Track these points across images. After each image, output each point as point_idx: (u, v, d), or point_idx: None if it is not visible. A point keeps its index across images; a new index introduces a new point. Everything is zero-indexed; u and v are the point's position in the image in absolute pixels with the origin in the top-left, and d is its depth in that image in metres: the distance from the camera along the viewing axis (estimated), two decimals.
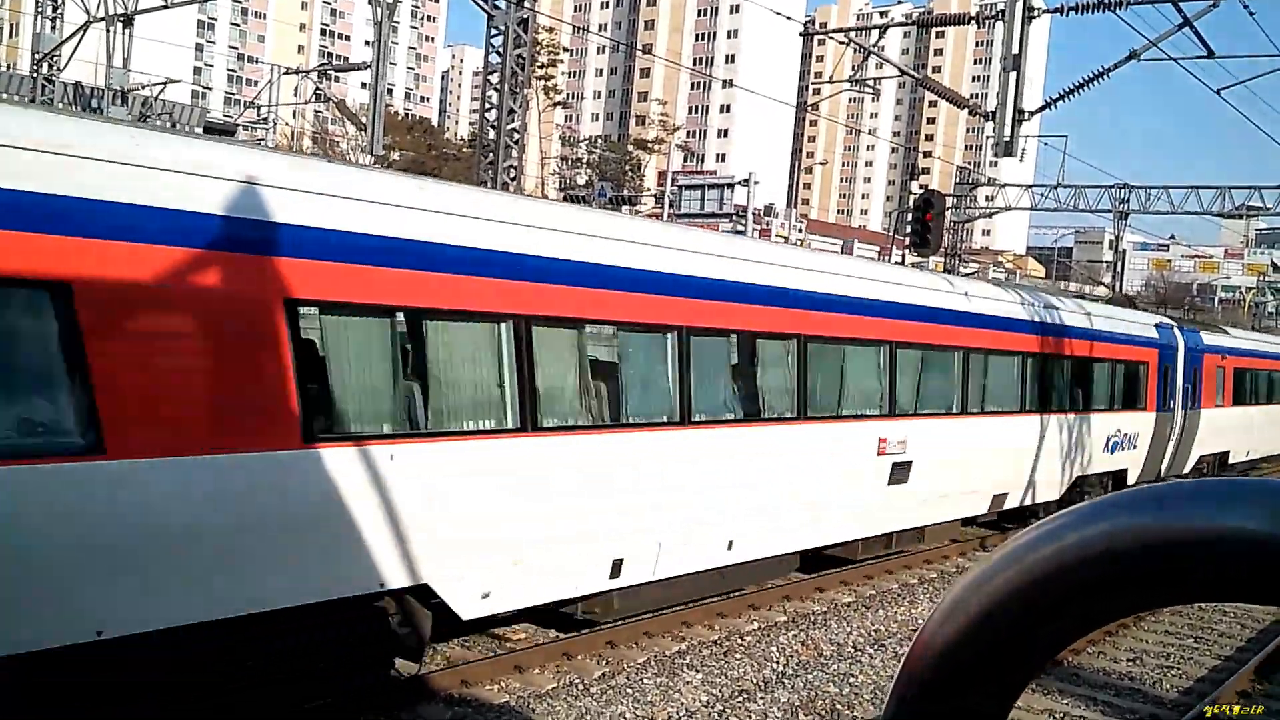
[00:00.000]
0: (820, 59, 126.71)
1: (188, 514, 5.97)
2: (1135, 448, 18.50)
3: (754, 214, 60.42)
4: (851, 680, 8.93)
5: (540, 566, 8.03)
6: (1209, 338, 22.43)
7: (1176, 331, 20.34)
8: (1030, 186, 41.57)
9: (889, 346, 11.92)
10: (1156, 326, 19.80)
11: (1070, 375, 16.30)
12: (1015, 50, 15.16)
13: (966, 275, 44.41)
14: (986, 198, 45.90)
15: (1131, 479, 18.71)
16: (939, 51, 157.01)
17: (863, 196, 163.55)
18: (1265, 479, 0.63)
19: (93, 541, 5.61)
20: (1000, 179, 41.04)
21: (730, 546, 9.83)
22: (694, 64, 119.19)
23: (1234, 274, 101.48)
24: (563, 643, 9.02)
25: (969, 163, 76.76)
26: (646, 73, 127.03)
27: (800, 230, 71.10)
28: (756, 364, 10.27)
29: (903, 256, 19.32)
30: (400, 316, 7.20)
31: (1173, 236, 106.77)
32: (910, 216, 20.67)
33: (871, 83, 23.47)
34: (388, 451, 6.93)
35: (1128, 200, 37.66)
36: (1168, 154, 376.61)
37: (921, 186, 21.86)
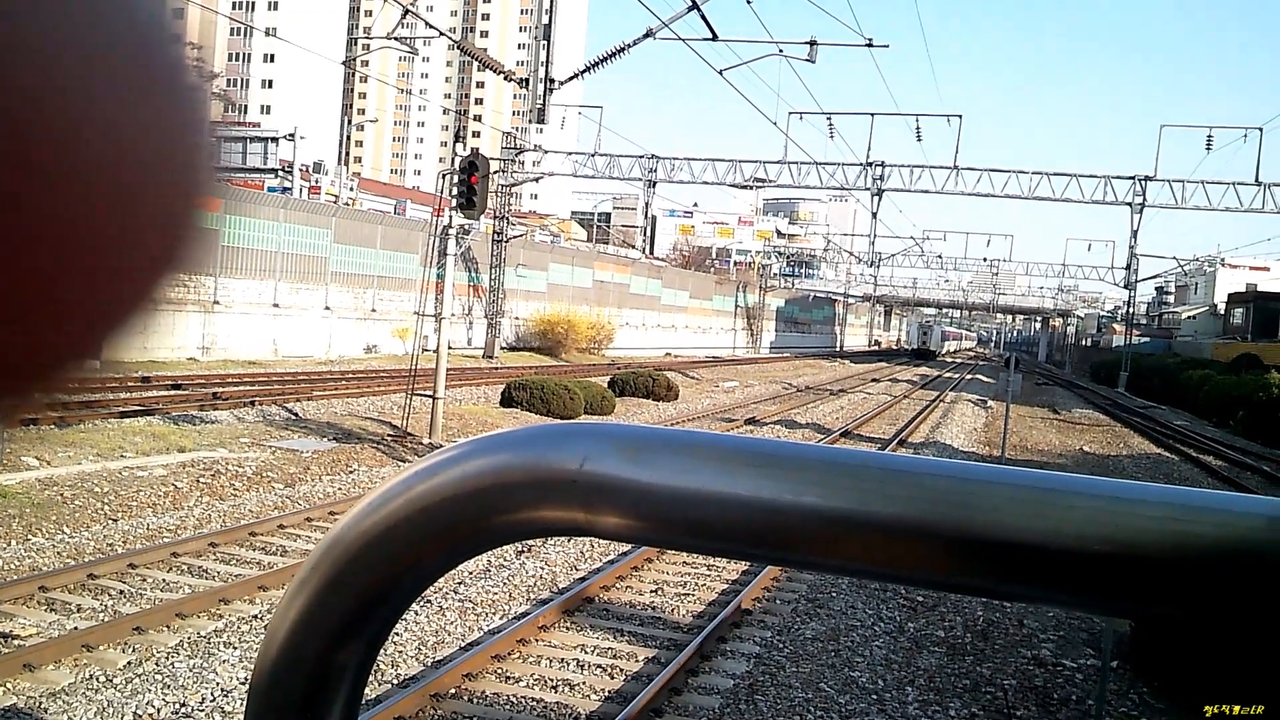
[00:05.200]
0: (370, 14, 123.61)
1: None
2: None
3: (301, 170, 57.95)
4: (395, 636, 9.07)
5: None
6: None
7: None
8: (571, 154, 43.76)
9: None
10: None
11: None
12: (546, 20, 15.91)
13: (516, 237, 45.79)
14: (534, 163, 47.65)
15: None
16: (486, 16, 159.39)
17: (416, 157, 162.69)
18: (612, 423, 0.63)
19: None
20: (545, 146, 42.75)
21: None
22: (233, 8, 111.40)
23: (745, 239, 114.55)
24: (81, 634, 8.30)
25: (515, 128, 79.12)
26: (180, 12, 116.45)
27: (352, 189, 69.39)
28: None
29: (450, 218, 19.71)
30: None
31: (696, 204, 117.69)
32: (456, 179, 20.92)
33: (411, 42, 23.40)
34: None
35: (655, 170, 41.00)
36: (693, 129, 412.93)
37: (472, 150, 22.27)
